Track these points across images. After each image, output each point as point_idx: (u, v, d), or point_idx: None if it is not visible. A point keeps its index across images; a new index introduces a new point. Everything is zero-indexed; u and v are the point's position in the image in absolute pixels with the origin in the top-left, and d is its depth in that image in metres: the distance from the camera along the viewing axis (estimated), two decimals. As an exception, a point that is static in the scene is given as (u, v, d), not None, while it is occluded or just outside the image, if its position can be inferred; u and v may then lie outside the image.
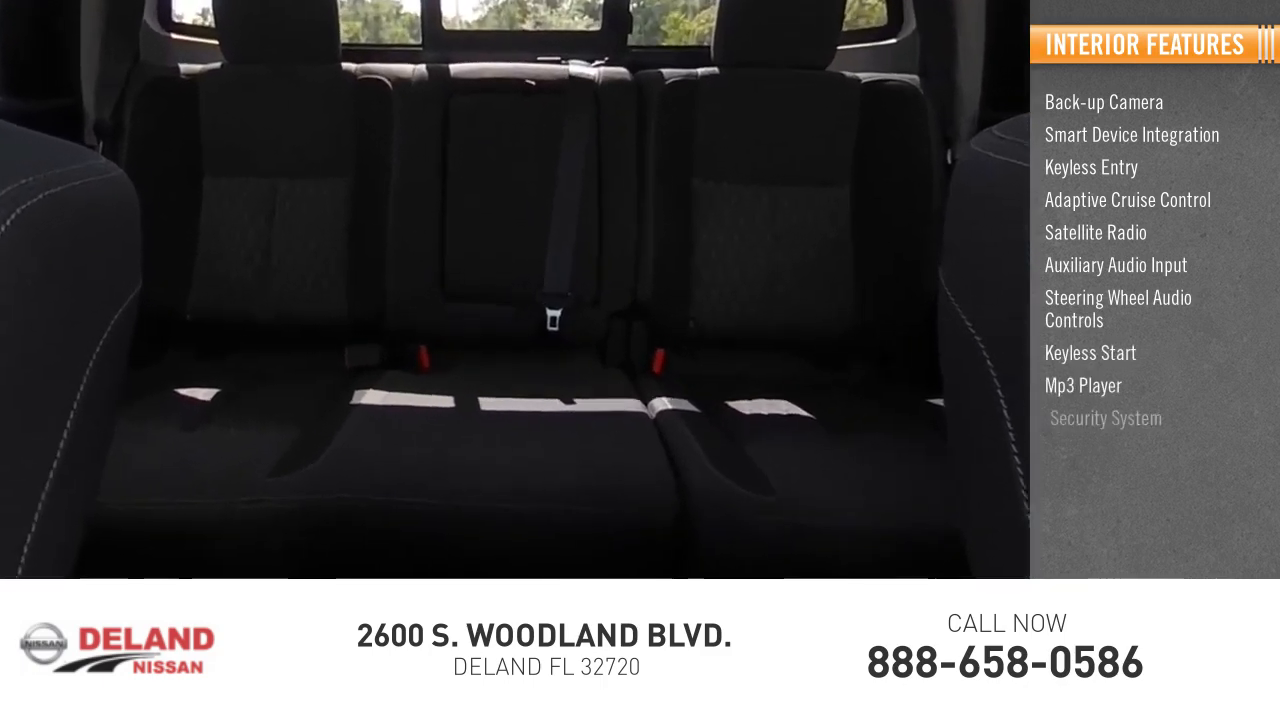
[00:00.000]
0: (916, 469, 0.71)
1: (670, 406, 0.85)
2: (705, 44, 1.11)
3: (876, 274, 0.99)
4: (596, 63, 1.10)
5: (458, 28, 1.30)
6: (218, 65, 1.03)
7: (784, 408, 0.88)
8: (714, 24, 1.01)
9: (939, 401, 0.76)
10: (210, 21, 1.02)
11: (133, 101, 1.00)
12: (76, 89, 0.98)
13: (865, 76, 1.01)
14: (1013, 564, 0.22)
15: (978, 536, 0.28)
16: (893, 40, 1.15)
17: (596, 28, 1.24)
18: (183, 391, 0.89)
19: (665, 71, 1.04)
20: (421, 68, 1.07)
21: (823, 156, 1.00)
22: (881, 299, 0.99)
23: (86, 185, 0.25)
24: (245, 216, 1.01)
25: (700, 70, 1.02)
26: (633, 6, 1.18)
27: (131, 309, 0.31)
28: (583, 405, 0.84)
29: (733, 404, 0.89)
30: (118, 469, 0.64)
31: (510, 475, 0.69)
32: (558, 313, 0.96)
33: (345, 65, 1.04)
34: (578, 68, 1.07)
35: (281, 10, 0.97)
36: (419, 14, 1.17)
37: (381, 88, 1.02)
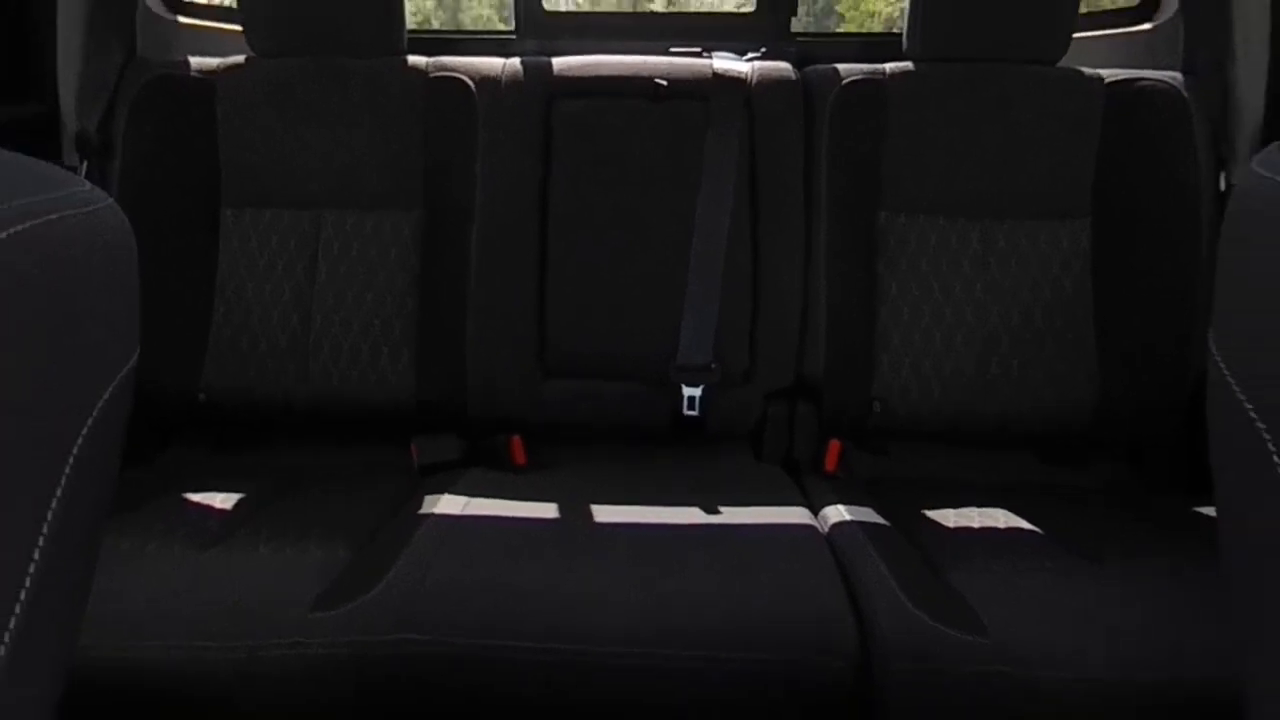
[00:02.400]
0: (1182, 605, 0.71)
1: (848, 518, 0.86)
2: (896, 30, 1.12)
3: (1127, 338, 0.99)
4: (750, 55, 1.10)
5: (562, 8, 1.32)
6: (241, 59, 1.04)
7: (1002, 520, 0.88)
8: (907, 3, 1.02)
9: (1212, 511, 0.77)
10: (230, 0, 1.06)
11: (127, 108, 1.01)
12: (51, 91, 1.00)
13: (1110, 74, 1.01)
14: None
15: (1269, 702, 0.28)
16: (1147, 25, 1.15)
17: (749, 8, 1.24)
18: (194, 497, 0.89)
19: (842, 68, 1.04)
20: (515, 62, 1.07)
21: (1054, 180, 1.00)
22: (1134, 372, 0.99)
23: (63, 220, 0.25)
24: (278, 263, 1.03)
25: (889, 66, 1.02)
26: (796, -23, 1.16)
27: (125, 387, 0.31)
28: (731, 516, 0.84)
29: (932, 514, 0.90)
30: (108, 604, 0.63)
31: (635, 613, 0.69)
32: (697, 392, 0.97)
33: (412, 59, 1.04)
34: (724, 62, 1.06)
35: None
36: (510, -11, 1.22)
37: (461, 89, 1.03)
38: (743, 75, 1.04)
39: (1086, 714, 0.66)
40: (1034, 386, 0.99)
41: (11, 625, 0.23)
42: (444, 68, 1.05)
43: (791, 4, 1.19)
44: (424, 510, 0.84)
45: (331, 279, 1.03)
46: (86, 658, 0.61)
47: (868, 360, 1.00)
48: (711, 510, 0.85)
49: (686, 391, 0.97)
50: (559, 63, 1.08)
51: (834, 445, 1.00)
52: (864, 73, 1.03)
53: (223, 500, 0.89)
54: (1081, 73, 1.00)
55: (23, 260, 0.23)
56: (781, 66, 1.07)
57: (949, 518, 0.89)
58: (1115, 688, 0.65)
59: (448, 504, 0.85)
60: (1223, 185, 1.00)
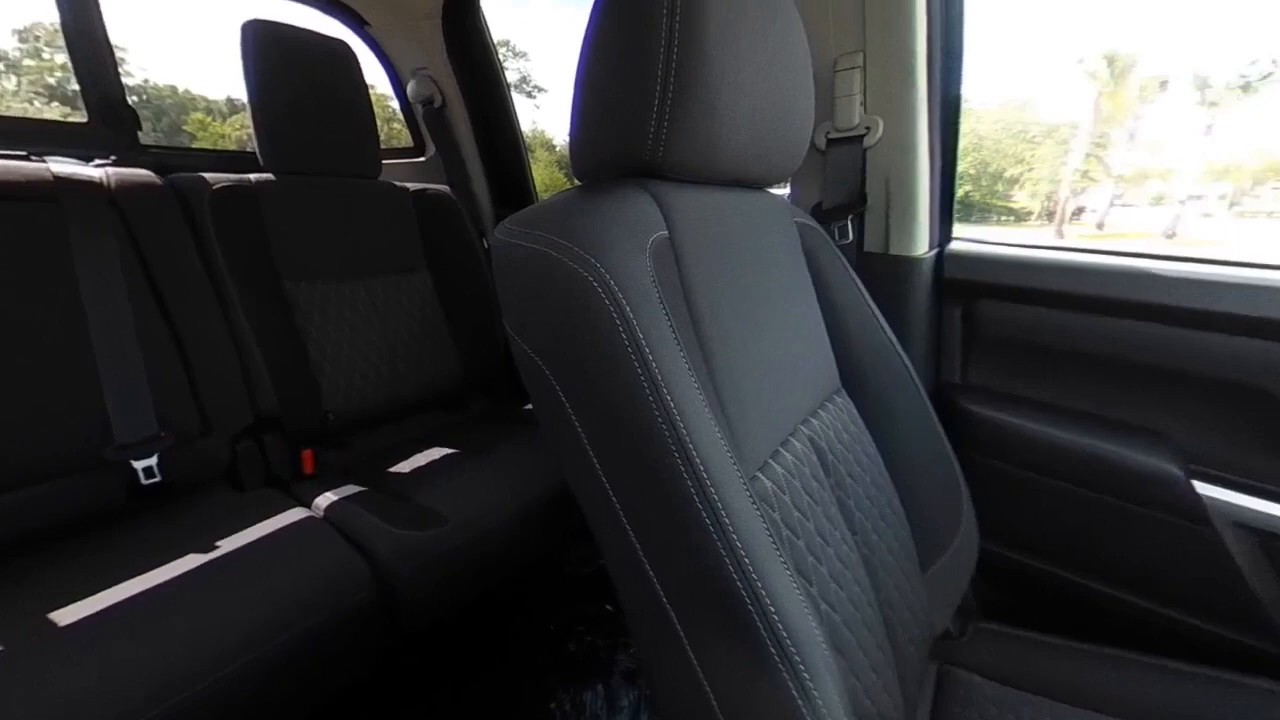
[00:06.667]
0: (535, 458, 0.97)
1: (335, 497, 0.91)
2: (248, 149, 1.13)
3: (467, 333, 1.25)
4: (98, 162, 0.98)
5: None
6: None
7: (435, 452, 1.05)
8: (252, 132, 1.05)
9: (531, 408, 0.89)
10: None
11: None
12: None
13: (414, 185, 1.24)
14: (599, 504, 0.36)
15: (575, 485, 0.40)
16: (422, 159, 1.49)
17: (76, 118, 1.06)
18: None
19: (209, 176, 1.03)
20: None
21: (400, 249, 1.19)
22: (476, 350, 1.26)
23: None
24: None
25: (254, 175, 1.06)
26: (134, 100, 1.06)
27: None
28: (236, 543, 0.80)
29: (394, 468, 1.01)
30: None
31: (187, 648, 0.65)
32: (153, 461, 0.87)
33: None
34: (66, 166, 0.92)
35: None
36: None
37: None
38: (97, 179, 0.92)
39: (492, 542, 0.87)
40: (424, 373, 1.20)
41: None
42: None
43: (132, 121, 1.08)
44: None
45: None
46: None
47: (313, 387, 1.06)
48: (210, 548, 0.79)
49: (137, 464, 0.86)
50: None
51: (307, 454, 1.05)
52: (232, 180, 1.04)
53: None
54: (395, 184, 1.22)
55: None
56: (142, 173, 0.99)
57: (405, 465, 1.03)
58: (509, 523, 0.88)
59: None
60: (487, 246, 1.33)
